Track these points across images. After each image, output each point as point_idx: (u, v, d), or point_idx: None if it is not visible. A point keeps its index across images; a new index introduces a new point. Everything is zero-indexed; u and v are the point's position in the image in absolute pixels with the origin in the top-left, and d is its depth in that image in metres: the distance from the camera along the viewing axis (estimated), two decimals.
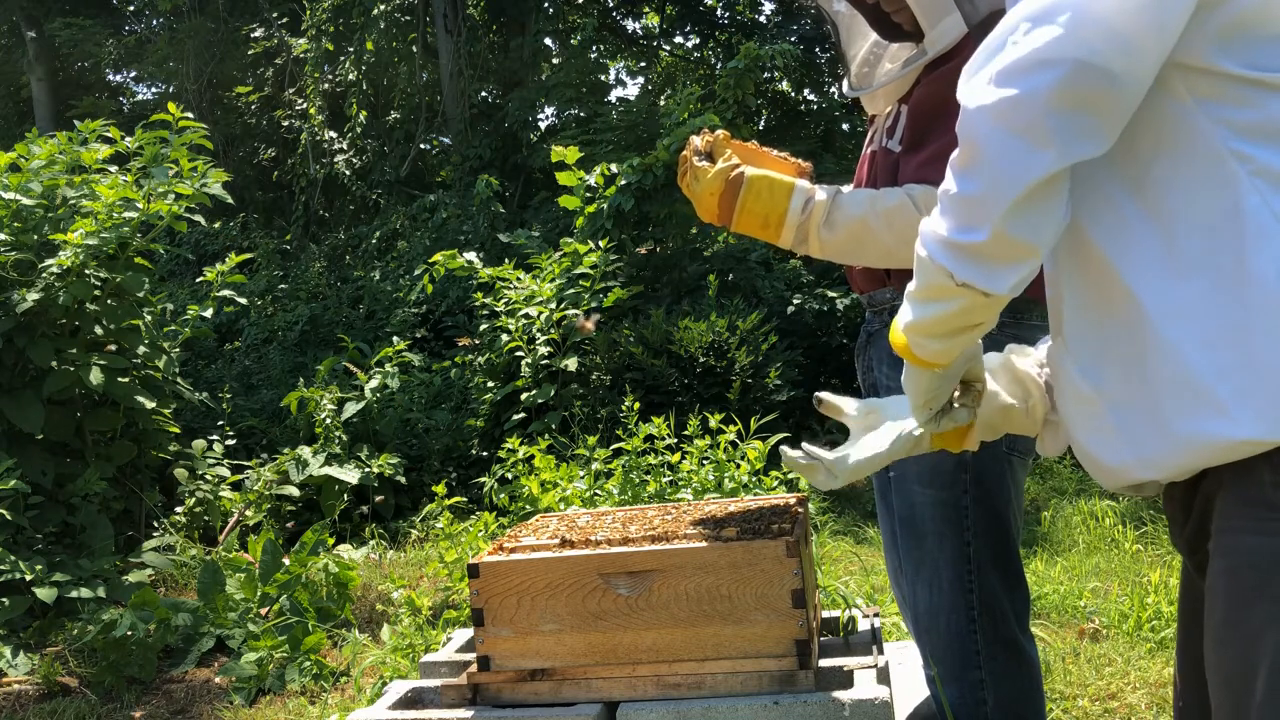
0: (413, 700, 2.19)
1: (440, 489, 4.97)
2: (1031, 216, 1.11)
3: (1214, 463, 1.12)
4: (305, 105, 13.37)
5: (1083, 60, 1.04)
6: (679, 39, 15.88)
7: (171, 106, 5.31)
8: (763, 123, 12.66)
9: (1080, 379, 1.21)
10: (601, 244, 6.59)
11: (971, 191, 1.13)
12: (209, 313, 5.88)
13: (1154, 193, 1.14)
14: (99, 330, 5.15)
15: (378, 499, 6.09)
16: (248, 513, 5.67)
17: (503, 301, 6.60)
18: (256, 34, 14.21)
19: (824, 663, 2.04)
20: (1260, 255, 1.08)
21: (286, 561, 4.39)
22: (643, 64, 15.64)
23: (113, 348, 5.09)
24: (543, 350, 6.28)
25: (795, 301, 7.63)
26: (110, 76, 16.66)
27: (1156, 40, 1.06)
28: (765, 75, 11.52)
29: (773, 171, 1.86)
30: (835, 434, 6.92)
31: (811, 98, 13.11)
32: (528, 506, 4.40)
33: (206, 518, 5.52)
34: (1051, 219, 1.13)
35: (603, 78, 13.85)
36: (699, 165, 1.86)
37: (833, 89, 12.83)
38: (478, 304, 6.88)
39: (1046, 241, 1.14)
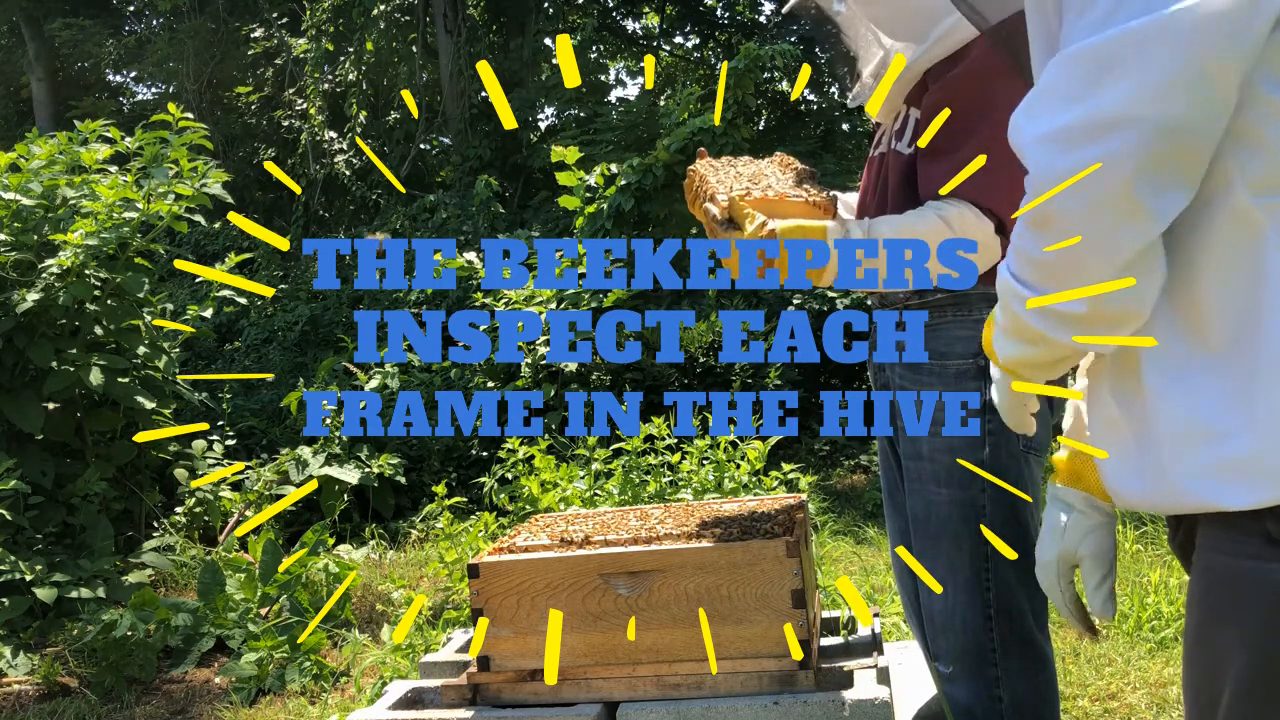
0: (413, 700, 2.19)
1: (440, 489, 4.97)
2: (1132, 286, 1.06)
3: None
4: (305, 105, 13.36)
5: (1159, 118, 0.96)
6: (679, 39, 15.88)
7: (171, 107, 5.31)
8: (763, 123, 12.66)
9: (1112, 401, 1.19)
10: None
11: (1056, 261, 1.06)
12: (209, 313, 5.88)
13: (1180, 240, 1.09)
14: (99, 330, 5.14)
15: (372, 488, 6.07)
16: (247, 513, 5.67)
17: (503, 302, 6.60)
18: (256, 34, 14.20)
19: (824, 663, 2.04)
20: (1275, 315, 1.02)
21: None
22: (641, 64, 15.64)
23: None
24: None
25: (795, 301, 7.63)
26: (110, 77, 16.64)
27: (1235, 72, 0.97)
28: (765, 75, 11.51)
29: (801, 218, 1.83)
30: (835, 435, 6.92)
31: (811, 98, 13.11)
32: (528, 506, 4.40)
33: (206, 518, 5.52)
34: (1151, 282, 1.07)
35: (603, 78, 13.85)
36: (726, 234, 1.82)
37: (832, 89, 12.84)
38: (478, 304, 6.88)
39: (1148, 305, 1.08)
